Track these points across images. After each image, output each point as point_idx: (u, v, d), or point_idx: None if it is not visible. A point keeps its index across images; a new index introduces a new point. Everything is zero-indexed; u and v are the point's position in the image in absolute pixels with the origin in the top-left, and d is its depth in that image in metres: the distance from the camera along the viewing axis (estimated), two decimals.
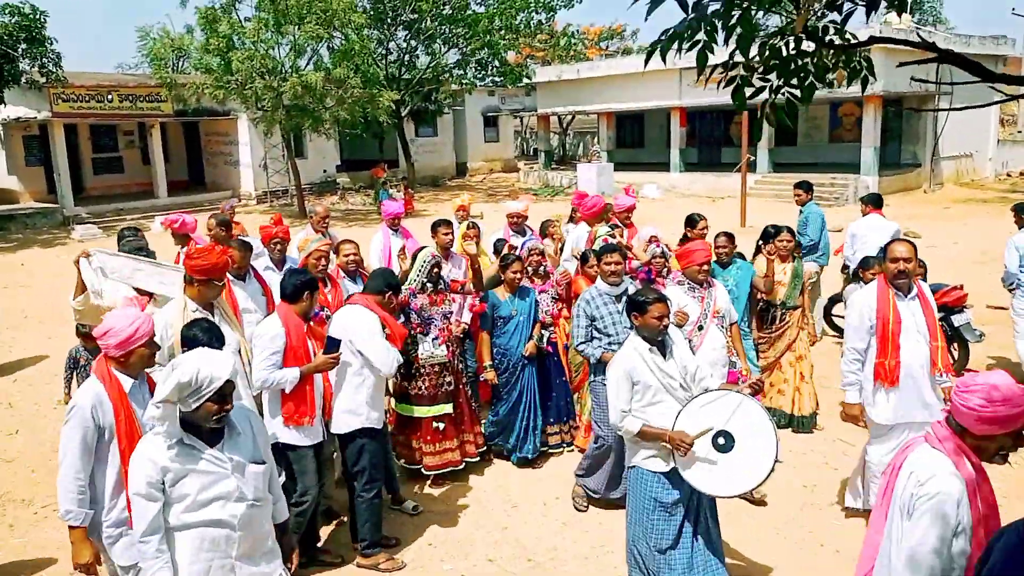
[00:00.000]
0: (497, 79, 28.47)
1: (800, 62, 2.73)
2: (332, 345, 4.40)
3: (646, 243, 6.41)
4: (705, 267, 5.35)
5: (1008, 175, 25.11)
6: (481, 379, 6.04)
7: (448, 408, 5.51)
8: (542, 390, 6.05)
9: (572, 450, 6.13)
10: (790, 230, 6.72)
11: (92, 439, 3.35)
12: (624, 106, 26.69)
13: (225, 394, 2.89)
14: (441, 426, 5.51)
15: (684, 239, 6.93)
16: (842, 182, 21.03)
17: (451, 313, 5.77)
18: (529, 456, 5.94)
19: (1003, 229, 15.55)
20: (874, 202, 8.36)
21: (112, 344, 3.39)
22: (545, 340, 6.01)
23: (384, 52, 25.66)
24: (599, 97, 26.66)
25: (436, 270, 5.61)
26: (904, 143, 23.84)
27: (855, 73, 2.78)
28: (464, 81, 27.45)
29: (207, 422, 2.89)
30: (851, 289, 6.66)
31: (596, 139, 29.90)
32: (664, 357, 3.98)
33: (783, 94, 2.83)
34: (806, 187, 8.91)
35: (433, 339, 5.51)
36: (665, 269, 6.14)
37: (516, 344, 5.86)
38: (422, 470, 5.59)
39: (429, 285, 5.56)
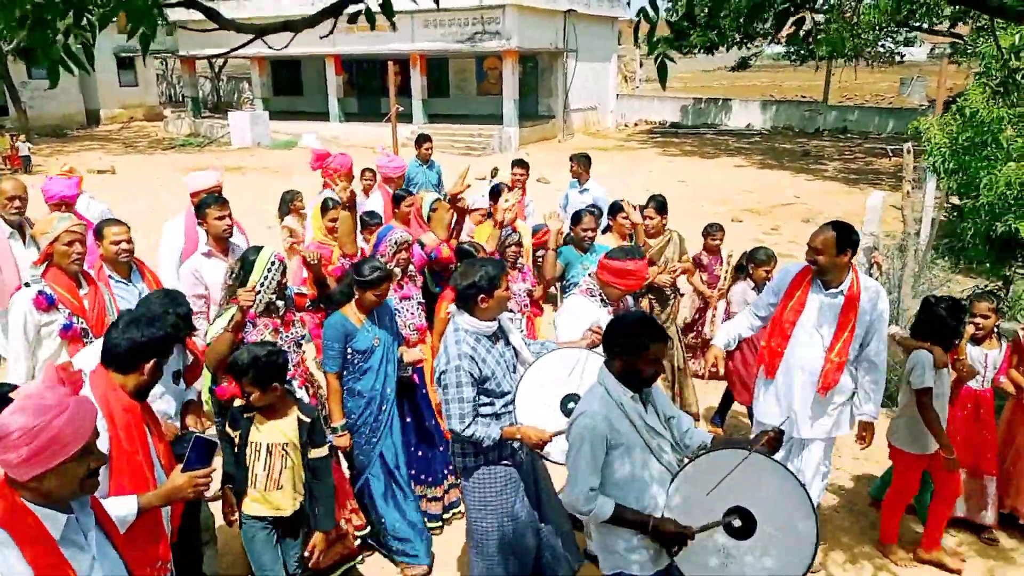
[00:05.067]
0: None
1: None
2: (199, 451, 2.62)
3: (485, 218, 5.27)
4: (627, 294, 4.28)
5: (626, 125, 28.82)
6: (328, 441, 4.01)
7: None
8: (414, 436, 4.46)
9: (460, 514, 4.53)
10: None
11: None
12: (268, 52, 25.38)
13: None
14: None
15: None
16: (488, 132, 22.40)
17: (304, 338, 4.14)
18: (426, 562, 4.24)
19: (617, 174, 17.85)
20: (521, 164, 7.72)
21: (12, 462, 1.90)
22: (411, 358, 4.38)
23: None
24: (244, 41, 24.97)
25: (283, 279, 3.97)
26: (540, 96, 26.07)
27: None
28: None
29: None
30: (738, 289, 5.68)
31: (250, 87, 28.18)
32: (646, 407, 2.90)
33: None
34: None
35: (287, 382, 3.83)
36: (519, 260, 5.16)
37: (380, 386, 4.14)
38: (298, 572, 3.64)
39: (281, 304, 3.95)
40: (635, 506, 2.80)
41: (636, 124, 29.05)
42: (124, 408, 2.70)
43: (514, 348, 3.62)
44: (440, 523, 4.55)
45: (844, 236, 3.74)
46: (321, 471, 3.43)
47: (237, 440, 3.38)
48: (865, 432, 4.05)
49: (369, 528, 4.20)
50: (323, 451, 3.43)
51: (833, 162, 20.07)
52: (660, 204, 5.83)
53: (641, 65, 42.80)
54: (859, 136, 24.81)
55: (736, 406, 5.84)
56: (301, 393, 3.96)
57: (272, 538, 3.43)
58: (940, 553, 4.25)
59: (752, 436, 3.42)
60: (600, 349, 3.41)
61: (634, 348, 2.76)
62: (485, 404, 3.44)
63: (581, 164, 7.97)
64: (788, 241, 11.88)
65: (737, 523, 2.69)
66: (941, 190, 7.30)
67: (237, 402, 3.46)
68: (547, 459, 3.56)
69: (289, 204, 6.83)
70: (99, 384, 2.73)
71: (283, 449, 3.34)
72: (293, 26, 1.71)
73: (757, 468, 2.68)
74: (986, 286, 5.63)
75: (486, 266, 3.43)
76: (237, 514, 3.44)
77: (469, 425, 3.35)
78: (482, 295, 3.35)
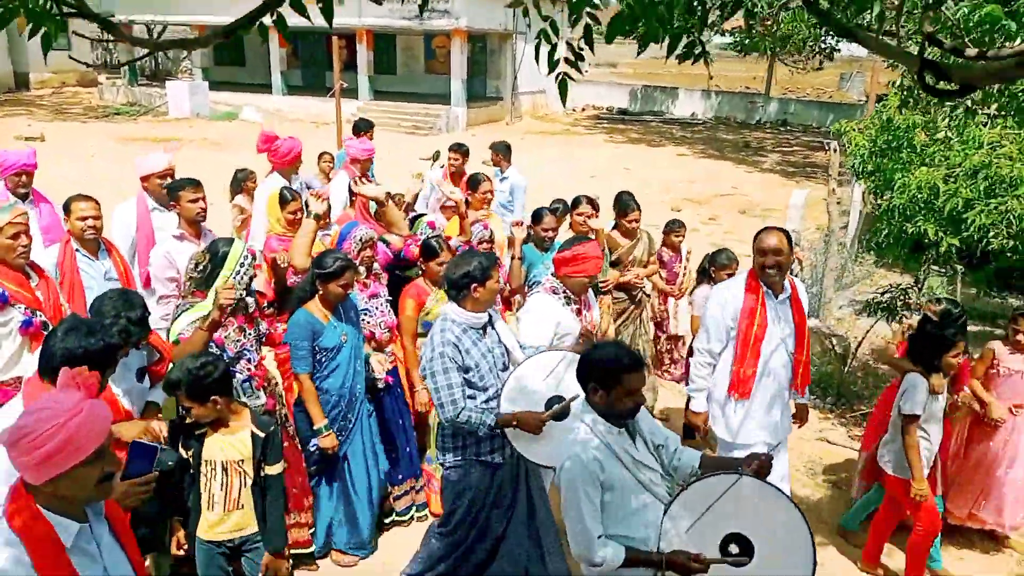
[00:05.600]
0: None
1: None
2: (138, 457, 2.38)
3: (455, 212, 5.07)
4: (593, 279, 4.20)
5: (573, 110, 28.92)
6: (311, 448, 4.08)
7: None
8: (382, 438, 4.39)
9: (424, 516, 4.64)
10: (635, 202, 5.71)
11: None
12: (213, 19, 24.62)
13: None
14: None
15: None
16: (435, 112, 22.25)
17: (264, 336, 4.01)
18: (366, 552, 4.28)
19: (564, 158, 17.97)
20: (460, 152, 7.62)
21: (27, 464, 1.91)
22: (383, 369, 4.36)
23: None
24: (188, 6, 24.17)
25: (255, 275, 3.82)
26: (489, 78, 25.97)
27: None
28: None
29: None
30: (701, 293, 5.53)
31: (190, 55, 27.33)
32: (633, 440, 2.80)
33: None
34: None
35: (245, 383, 3.67)
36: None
37: (349, 384, 4.03)
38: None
39: (250, 301, 3.79)
40: (635, 544, 2.69)
41: (584, 109, 29.18)
42: None
43: (506, 347, 3.64)
44: (405, 517, 4.58)
45: (789, 236, 3.92)
46: (274, 489, 3.25)
47: (191, 460, 3.22)
48: (801, 414, 4.26)
49: (313, 546, 4.17)
50: (277, 468, 3.25)
51: (772, 154, 20.56)
52: (636, 201, 5.73)
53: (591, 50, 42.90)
54: (799, 129, 25.43)
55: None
56: (260, 394, 3.78)
57: (228, 564, 3.31)
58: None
59: (736, 456, 3.35)
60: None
61: (609, 381, 2.67)
62: (467, 397, 3.45)
63: (500, 152, 7.97)
64: (724, 232, 12.18)
65: (735, 550, 2.62)
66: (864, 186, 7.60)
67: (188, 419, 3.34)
68: (534, 462, 3.55)
69: (242, 183, 6.61)
70: (31, 395, 2.57)
71: (239, 466, 3.18)
72: (188, 44, 1.70)
73: (751, 492, 2.61)
74: (898, 284, 5.91)
75: (479, 257, 3.51)
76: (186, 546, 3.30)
77: (462, 411, 3.38)
78: (475, 284, 3.42)
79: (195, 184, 4.56)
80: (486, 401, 3.48)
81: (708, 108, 28.17)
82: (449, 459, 3.62)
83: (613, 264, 5.60)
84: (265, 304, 4.05)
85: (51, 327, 3.55)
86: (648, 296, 5.98)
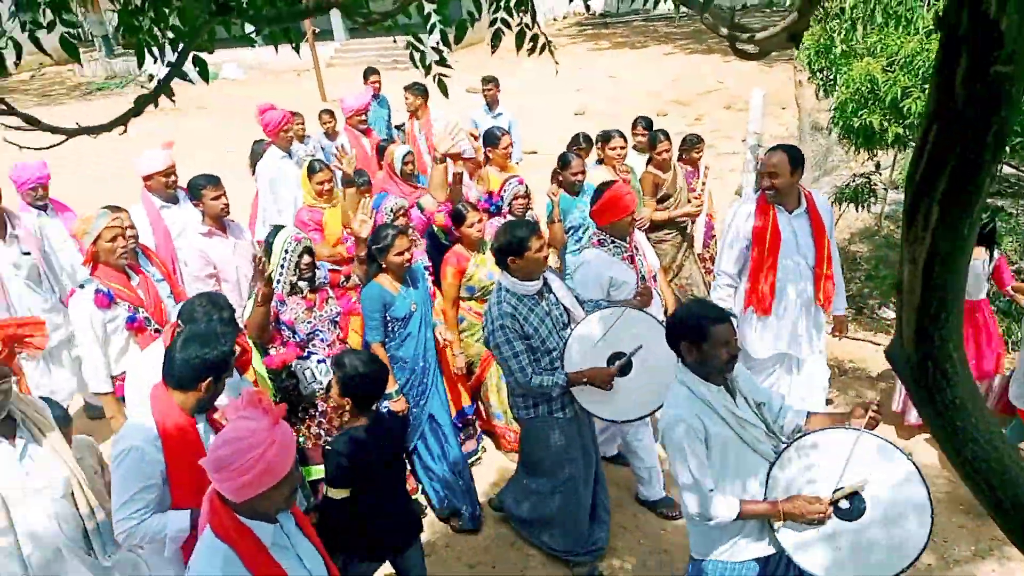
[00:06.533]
0: None
1: None
2: None
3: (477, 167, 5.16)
4: (634, 215, 4.16)
5: (555, 19, 28.36)
6: (384, 410, 4.23)
7: None
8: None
9: (482, 454, 4.93)
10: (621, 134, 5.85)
11: None
12: None
13: None
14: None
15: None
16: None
17: (339, 316, 4.18)
18: (473, 520, 4.35)
19: (548, 75, 17.79)
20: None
21: (231, 487, 2.15)
22: (444, 340, 4.62)
23: None
24: None
25: (308, 259, 3.98)
26: None
27: None
28: None
29: None
30: None
31: None
32: (734, 397, 2.78)
33: None
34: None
35: (320, 362, 3.87)
36: (529, 212, 5.14)
37: (422, 350, 4.25)
38: None
39: (303, 285, 4.00)
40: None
41: (565, 17, 28.57)
42: (179, 426, 2.73)
43: (563, 307, 3.70)
44: (473, 459, 4.81)
45: (794, 155, 3.89)
46: (328, 514, 3.12)
47: None
48: (840, 326, 4.39)
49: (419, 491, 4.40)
50: (338, 493, 3.07)
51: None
52: (664, 132, 5.69)
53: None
54: (783, 7, 24.81)
55: None
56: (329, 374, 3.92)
57: None
58: None
59: (838, 410, 3.54)
60: (653, 310, 3.79)
61: (698, 336, 2.67)
62: (534, 360, 3.56)
63: (495, 85, 7.74)
64: (711, 131, 12.24)
65: (845, 504, 2.62)
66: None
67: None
68: (601, 418, 3.70)
69: (260, 156, 6.55)
70: (157, 402, 2.79)
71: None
72: (93, 129, 1.86)
73: (862, 446, 2.61)
74: (859, 175, 6.12)
75: (517, 228, 3.52)
76: None
77: (532, 376, 3.51)
78: (512, 256, 3.49)
79: (215, 182, 4.74)
80: (550, 362, 3.59)
81: None
82: (523, 416, 3.78)
83: (664, 199, 5.64)
84: (342, 279, 4.28)
85: (152, 321, 3.99)
86: (693, 223, 5.95)
